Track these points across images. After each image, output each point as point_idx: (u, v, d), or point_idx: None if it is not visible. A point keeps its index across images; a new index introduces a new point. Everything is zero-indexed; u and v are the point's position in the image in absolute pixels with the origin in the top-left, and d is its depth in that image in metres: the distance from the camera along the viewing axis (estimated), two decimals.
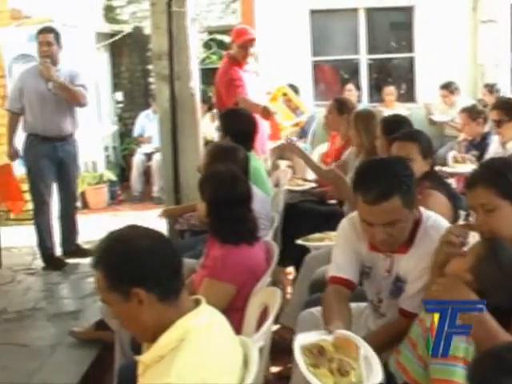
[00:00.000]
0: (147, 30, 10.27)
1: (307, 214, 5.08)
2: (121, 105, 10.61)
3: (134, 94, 10.87)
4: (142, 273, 2.01)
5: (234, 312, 2.92)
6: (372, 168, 2.85)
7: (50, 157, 6.11)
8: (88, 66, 8.16)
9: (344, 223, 3.09)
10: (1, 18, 7.79)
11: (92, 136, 8.69)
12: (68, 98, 6.08)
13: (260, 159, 5.17)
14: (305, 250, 4.47)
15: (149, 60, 10.47)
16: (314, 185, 5.70)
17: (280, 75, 8.67)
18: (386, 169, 2.80)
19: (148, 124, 9.86)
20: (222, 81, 6.01)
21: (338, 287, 2.92)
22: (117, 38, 10.06)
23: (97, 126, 9.09)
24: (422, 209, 2.92)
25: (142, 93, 10.81)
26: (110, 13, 10.74)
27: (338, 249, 3.04)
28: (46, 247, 6.32)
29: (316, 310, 3.22)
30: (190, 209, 4.61)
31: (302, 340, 2.43)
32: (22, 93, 6.08)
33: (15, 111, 6.18)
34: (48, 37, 5.98)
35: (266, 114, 5.77)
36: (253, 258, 3.26)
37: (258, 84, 6.33)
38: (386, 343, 2.77)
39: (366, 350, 2.37)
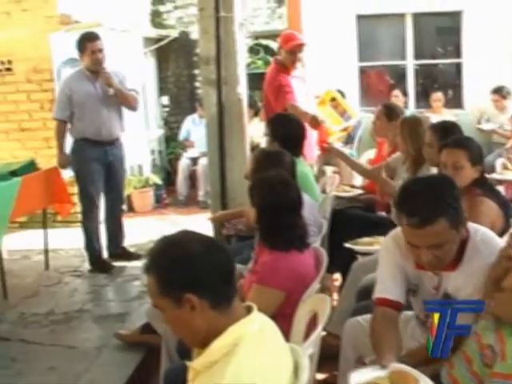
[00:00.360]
0: (194, 35, 10.38)
1: (354, 221, 5.03)
2: (167, 109, 10.63)
3: (179, 99, 10.88)
4: (195, 278, 1.99)
5: (282, 318, 2.86)
6: (416, 189, 2.73)
7: (100, 160, 6.14)
8: (135, 70, 8.20)
9: (387, 241, 3.02)
10: (50, 23, 7.87)
11: (138, 140, 8.75)
12: (122, 103, 6.16)
13: (308, 165, 5.13)
14: (352, 257, 4.44)
15: (195, 65, 10.64)
16: (361, 191, 5.66)
17: (326, 81, 8.60)
18: (430, 191, 2.69)
19: (194, 128, 9.88)
20: (271, 87, 5.99)
21: (385, 310, 2.83)
22: (163, 42, 10.12)
23: (143, 130, 9.13)
24: (469, 224, 2.82)
25: (188, 97, 10.81)
26: (156, 18, 10.77)
27: (382, 268, 2.96)
28: (93, 250, 6.37)
29: (362, 319, 3.19)
30: (238, 215, 4.60)
31: (357, 379, 2.39)
32: (70, 99, 6.09)
33: (64, 119, 6.17)
34: (99, 44, 6.05)
35: (315, 123, 5.73)
36: (302, 264, 3.23)
37: (305, 90, 6.30)
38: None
39: (425, 382, 2.31)
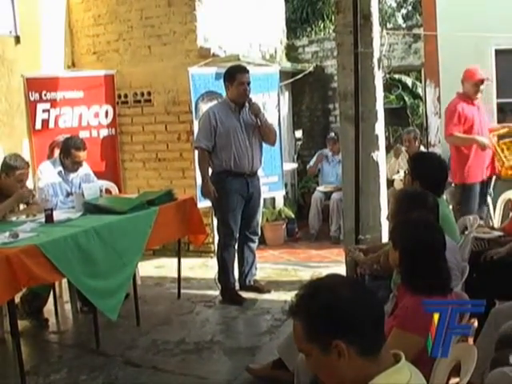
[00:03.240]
0: (329, 70, 10.48)
1: (496, 264, 4.79)
2: (300, 142, 10.59)
3: (313, 133, 10.84)
4: (345, 325, 1.93)
5: (422, 365, 2.70)
6: None
7: (241, 192, 6.17)
8: (272, 103, 8.21)
9: None
10: (189, 57, 8.01)
11: (274, 172, 8.73)
12: (264, 135, 6.20)
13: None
14: (490, 302, 4.24)
15: (329, 99, 10.64)
16: (501, 233, 5.40)
17: None
18: None
19: (325, 163, 9.77)
20: (448, 113, 6.85)
21: None
22: (299, 76, 10.08)
23: (278, 163, 9.03)
24: None
25: (321, 132, 10.72)
26: (292, 52, 10.79)
27: None
28: (227, 281, 6.36)
29: (510, 370, 3.02)
30: (377, 259, 4.45)
31: None
32: (215, 129, 6.10)
33: (207, 149, 6.16)
34: (247, 76, 6.12)
35: (482, 146, 6.57)
36: None
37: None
38: None
39: None
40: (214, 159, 6.11)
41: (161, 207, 5.77)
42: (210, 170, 6.18)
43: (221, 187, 6.07)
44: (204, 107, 7.22)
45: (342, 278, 2.06)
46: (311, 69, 10.59)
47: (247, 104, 6.06)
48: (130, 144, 8.54)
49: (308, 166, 9.97)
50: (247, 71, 6.04)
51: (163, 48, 8.25)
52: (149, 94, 8.45)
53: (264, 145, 6.40)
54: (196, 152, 6.33)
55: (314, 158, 9.87)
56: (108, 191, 7.16)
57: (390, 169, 8.29)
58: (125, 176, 8.49)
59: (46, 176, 6.17)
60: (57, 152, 6.46)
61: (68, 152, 6.12)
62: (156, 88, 8.38)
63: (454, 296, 3.29)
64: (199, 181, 6.57)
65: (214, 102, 7.01)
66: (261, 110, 6.10)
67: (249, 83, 6.00)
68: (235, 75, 6.01)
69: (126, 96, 8.54)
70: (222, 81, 6.26)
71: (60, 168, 6.21)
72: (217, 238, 6.50)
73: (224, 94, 6.37)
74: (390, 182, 7.68)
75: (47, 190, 6.03)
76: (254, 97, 6.39)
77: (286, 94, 10.54)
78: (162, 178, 8.38)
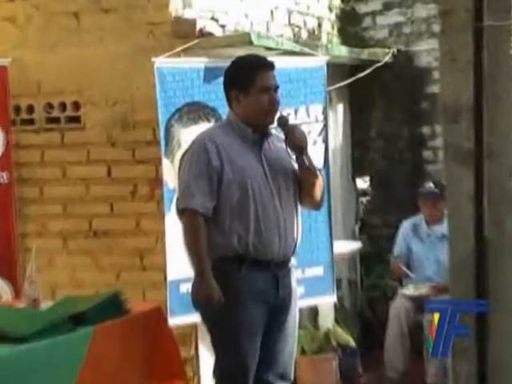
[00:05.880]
0: (422, 60, 8.48)
1: None
2: (366, 200, 8.67)
3: (391, 182, 8.53)
4: None
5: None
6: None
7: (266, 298, 4.83)
8: (312, 126, 6.76)
9: None
10: (157, 36, 6.41)
11: (315, 259, 7.17)
12: (308, 190, 5.04)
13: None
14: None
15: (424, 117, 8.58)
16: None
17: None
18: None
19: (417, 241, 7.18)
20: None
21: None
22: (364, 73, 7.91)
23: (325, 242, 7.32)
24: None
25: (408, 180, 8.49)
26: (351, 26, 8.84)
27: None
28: None
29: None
30: None
31: None
32: (218, 177, 4.83)
33: (205, 213, 4.91)
34: (273, 76, 4.89)
35: None
36: None
37: None
38: None
39: None
40: (214, 234, 4.64)
41: (97, 328, 4.59)
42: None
43: (228, 288, 4.55)
44: (184, 134, 5.88)
45: None
46: (388, 58, 8.03)
47: (275, 126, 4.71)
48: (39, 202, 6.66)
49: (392, 259, 7.14)
50: (273, 67, 4.66)
51: (104, 18, 6.29)
52: (75, 106, 6.35)
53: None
54: (179, 219, 4.80)
55: (400, 236, 7.13)
56: None
57: None
58: (27, 265, 6.10)
59: None
60: None
61: None
62: (90, 95, 6.38)
63: None
64: (178, 274, 5.55)
65: (204, 123, 5.86)
66: (306, 137, 4.75)
67: (277, 88, 4.65)
68: (252, 75, 4.61)
69: (30, 109, 6.52)
70: (221, 86, 4.83)
71: None
72: None
73: (226, 111, 4.98)
74: None
75: None
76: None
77: (340, 107, 8.38)
78: (100, 268, 6.47)
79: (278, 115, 4.65)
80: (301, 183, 4.69)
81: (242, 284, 4.58)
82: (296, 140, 4.55)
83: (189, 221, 4.46)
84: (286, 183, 4.63)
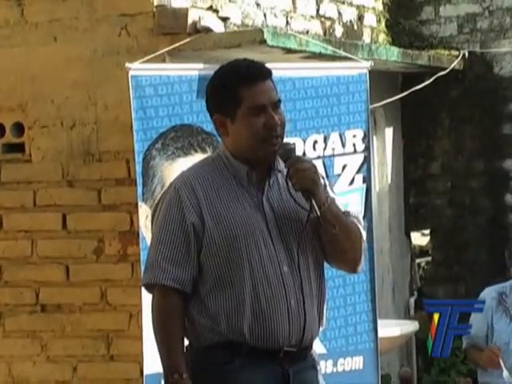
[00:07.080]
0: (506, 67, 7.97)
1: None
2: (426, 261, 8.13)
3: (461, 236, 7.97)
4: None
5: None
6: None
7: None
8: (349, 159, 6.33)
9: None
10: (133, 32, 5.97)
11: (351, 346, 7.00)
12: (335, 247, 4.48)
13: None
14: None
15: (508, 144, 8.12)
16: None
17: None
18: None
19: (500, 316, 6.06)
20: None
21: None
22: (423, 85, 7.63)
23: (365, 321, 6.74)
24: None
25: (487, 233, 7.97)
26: (405, 19, 8.34)
27: None
28: None
29: None
30: None
31: None
32: (197, 238, 4.21)
33: (180, 288, 4.44)
34: (271, 87, 4.28)
35: None
36: None
37: None
38: None
39: None
40: (197, 316, 3.97)
41: None
42: (188, 342, 4.00)
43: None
44: (169, 169, 5.47)
45: None
46: (457, 64, 7.39)
47: (278, 161, 3.81)
48: None
49: (466, 343, 5.84)
50: (268, 75, 3.81)
51: (57, 6, 5.72)
52: (18, 129, 5.86)
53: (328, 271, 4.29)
54: (148, 297, 4.09)
55: (481, 318, 5.71)
56: None
57: None
58: None
59: None
60: None
61: None
62: (37, 114, 5.84)
63: None
64: (159, 367, 4.05)
65: (198, 154, 5.42)
66: (316, 173, 3.84)
67: (277, 102, 3.78)
68: (237, 91, 3.82)
69: None
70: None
71: None
72: None
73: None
74: None
75: None
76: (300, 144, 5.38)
77: (389, 132, 7.63)
78: (49, 358, 5.77)
79: (281, 142, 3.70)
80: (324, 239, 3.77)
81: (235, 381, 3.79)
82: (298, 178, 3.65)
83: (157, 301, 3.73)
84: (301, 239, 3.76)
